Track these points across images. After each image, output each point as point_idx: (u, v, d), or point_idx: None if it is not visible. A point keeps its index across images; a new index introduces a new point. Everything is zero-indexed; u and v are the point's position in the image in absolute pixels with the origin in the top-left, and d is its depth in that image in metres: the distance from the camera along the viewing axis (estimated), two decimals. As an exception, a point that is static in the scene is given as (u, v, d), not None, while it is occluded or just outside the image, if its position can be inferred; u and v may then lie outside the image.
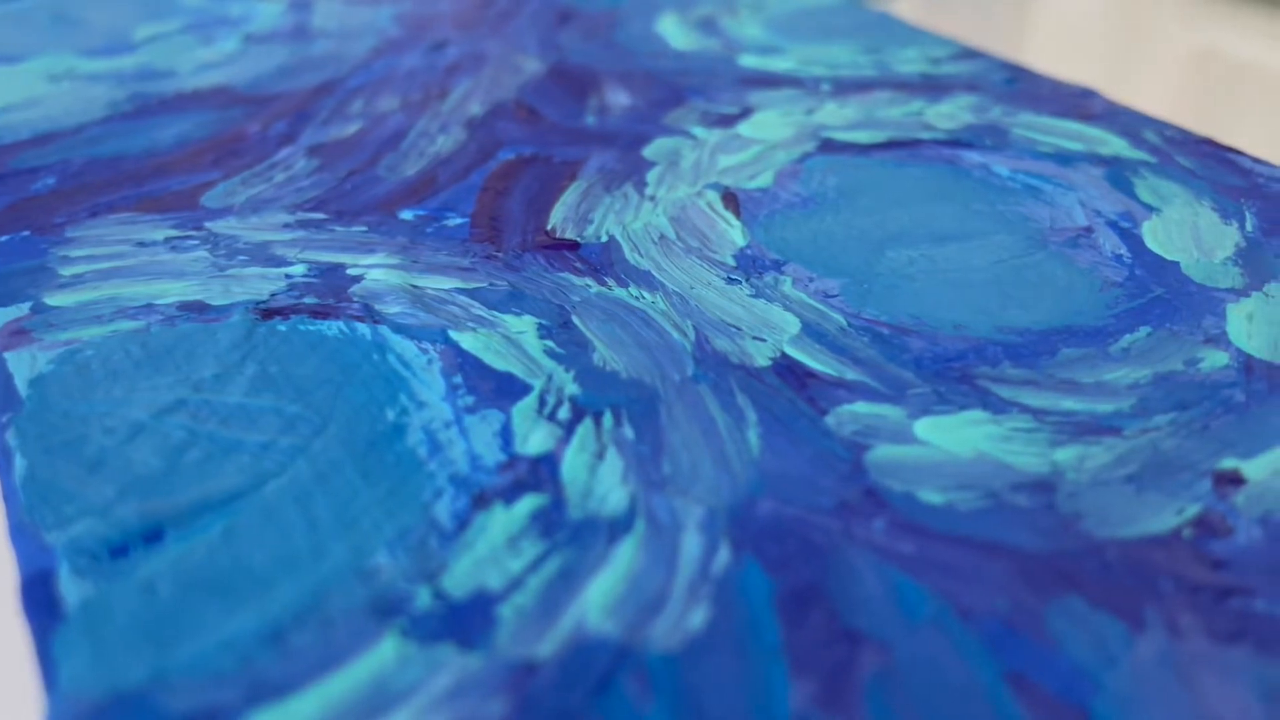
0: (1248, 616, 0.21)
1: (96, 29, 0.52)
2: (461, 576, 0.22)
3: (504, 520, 0.23)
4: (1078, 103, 0.44)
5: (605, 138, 0.41)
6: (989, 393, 0.27)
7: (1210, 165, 0.39)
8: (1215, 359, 0.29)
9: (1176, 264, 0.33)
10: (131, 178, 0.38)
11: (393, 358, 0.28)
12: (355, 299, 0.31)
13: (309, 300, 0.31)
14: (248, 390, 0.27)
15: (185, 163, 0.39)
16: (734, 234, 0.35)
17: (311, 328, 0.30)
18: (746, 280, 0.32)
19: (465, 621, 0.21)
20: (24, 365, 0.28)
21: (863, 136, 0.41)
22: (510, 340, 0.29)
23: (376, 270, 0.32)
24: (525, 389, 0.27)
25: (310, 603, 0.21)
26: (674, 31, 0.53)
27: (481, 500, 0.24)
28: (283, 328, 0.30)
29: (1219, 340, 0.29)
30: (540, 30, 0.53)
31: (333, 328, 0.30)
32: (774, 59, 0.49)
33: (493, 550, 0.23)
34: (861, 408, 0.27)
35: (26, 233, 0.34)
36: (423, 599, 0.21)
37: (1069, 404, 0.27)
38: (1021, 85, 0.46)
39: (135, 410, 0.26)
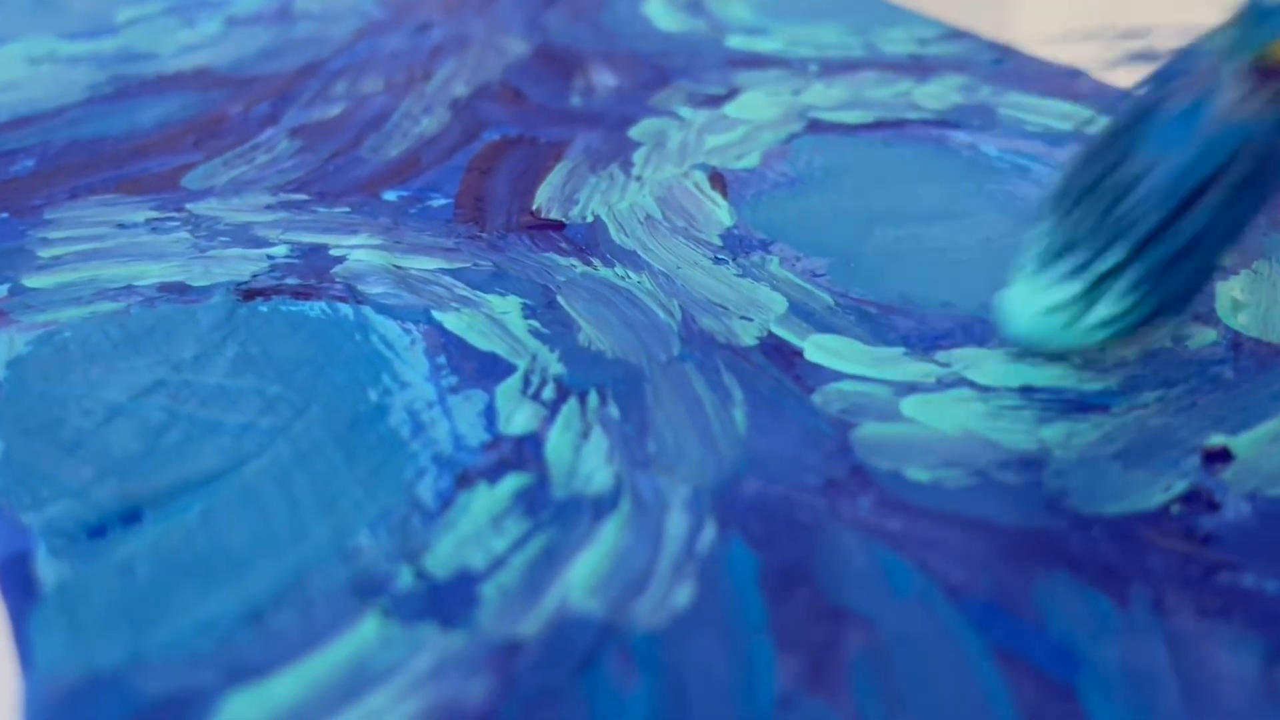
0: (1236, 592, 0.21)
1: (77, 11, 0.52)
2: (444, 556, 0.22)
3: (487, 499, 0.23)
4: (1065, 83, 0.44)
5: (591, 119, 0.41)
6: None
7: (1198, 144, 0.39)
8: (1204, 336, 0.29)
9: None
10: (112, 160, 0.38)
11: (375, 338, 0.28)
12: (338, 279, 0.31)
13: (291, 281, 0.31)
14: (228, 371, 0.27)
15: (166, 144, 0.39)
16: (720, 214, 0.35)
17: (293, 308, 0.29)
18: (733, 260, 0.32)
19: (448, 601, 0.21)
20: (1, 347, 0.28)
21: (850, 117, 0.41)
22: (494, 320, 0.29)
23: (359, 251, 0.32)
24: (509, 369, 0.27)
25: (290, 583, 0.21)
26: (660, 12, 0.52)
27: (465, 479, 0.24)
28: (264, 308, 0.29)
29: (1207, 317, 0.29)
30: (525, 11, 0.52)
31: (315, 308, 0.29)
32: (761, 40, 0.49)
33: (476, 529, 0.22)
34: (848, 386, 0.27)
35: (5, 215, 0.34)
36: (405, 579, 0.21)
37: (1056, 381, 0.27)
38: (1009, 65, 0.45)
39: (113, 392, 0.26)
